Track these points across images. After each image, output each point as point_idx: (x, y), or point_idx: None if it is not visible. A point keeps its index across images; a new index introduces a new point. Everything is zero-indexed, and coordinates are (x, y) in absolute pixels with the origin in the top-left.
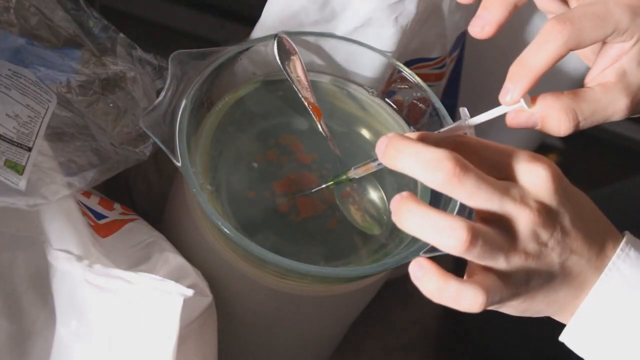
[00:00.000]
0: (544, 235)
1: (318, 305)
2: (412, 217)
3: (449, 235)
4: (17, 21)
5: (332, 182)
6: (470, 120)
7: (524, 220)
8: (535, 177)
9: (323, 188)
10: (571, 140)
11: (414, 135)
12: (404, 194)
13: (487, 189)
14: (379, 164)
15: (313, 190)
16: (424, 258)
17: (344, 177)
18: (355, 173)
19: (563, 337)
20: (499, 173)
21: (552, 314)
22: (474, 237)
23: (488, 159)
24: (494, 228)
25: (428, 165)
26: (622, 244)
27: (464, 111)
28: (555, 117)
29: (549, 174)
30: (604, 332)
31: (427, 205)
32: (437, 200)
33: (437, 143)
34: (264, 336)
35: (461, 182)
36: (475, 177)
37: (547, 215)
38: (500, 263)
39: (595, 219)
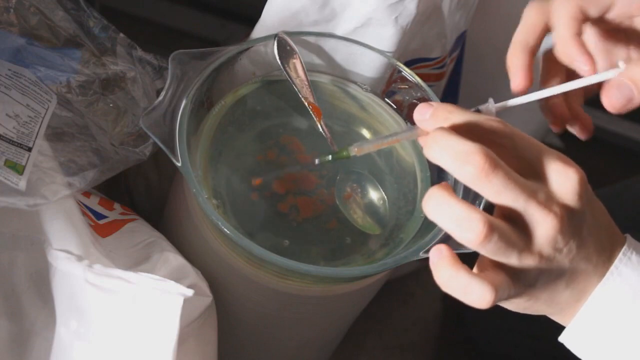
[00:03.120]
0: (561, 242)
1: (318, 305)
2: (434, 204)
3: (467, 227)
4: (17, 21)
5: (331, 158)
6: (497, 104)
7: (546, 225)
8: (566, 179)
9: (324, 162)
10: (571, 140)
11: (448, 107)
12: (443, 184)
13: (514, 188)
14: (380, 141)
15: (317, 163)
16: (446, 246)
17: (345, 153)
18: (355, 151)
19: (563, 338)
20: (528, 166)
21: (552, 314)
22: (490, 231)
23: (518, 150)
24: (512, 225)
25: (458, 157)
26: (625, 248)
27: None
28: None
29: (579, 178)
30: (604, 333)
31: (454, 195)
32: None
33: (472, 128)
34: (264, 336)
35: (489, 179)
36: (503, 175)
37: (569, 221)
38: (512, 261)
39: (607, 227)
